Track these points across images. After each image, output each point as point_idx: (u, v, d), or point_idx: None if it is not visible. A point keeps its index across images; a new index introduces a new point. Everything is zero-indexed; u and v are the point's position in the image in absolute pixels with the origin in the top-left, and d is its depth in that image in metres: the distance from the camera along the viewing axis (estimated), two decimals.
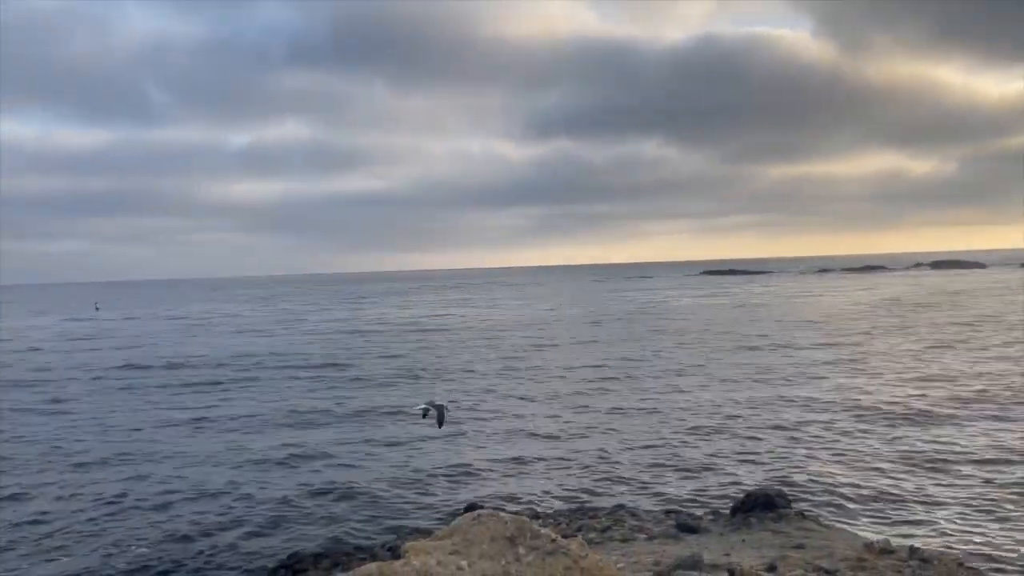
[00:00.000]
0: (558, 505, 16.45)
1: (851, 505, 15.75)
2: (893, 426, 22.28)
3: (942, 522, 14.47)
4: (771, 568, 10.23)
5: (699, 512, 15.36)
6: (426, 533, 12.73)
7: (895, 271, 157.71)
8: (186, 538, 15.35)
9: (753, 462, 19.30)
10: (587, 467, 19.52)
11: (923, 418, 23.09)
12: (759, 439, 21.58)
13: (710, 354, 40.76)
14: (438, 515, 16.07)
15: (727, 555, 11.13)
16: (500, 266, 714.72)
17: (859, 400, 26.23)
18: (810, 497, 16.23)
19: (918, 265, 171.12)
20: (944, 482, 16.86)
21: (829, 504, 15.82)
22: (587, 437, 22.80)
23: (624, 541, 12.90)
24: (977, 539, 13.46)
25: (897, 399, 26.12)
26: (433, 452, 21.42)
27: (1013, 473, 17.25)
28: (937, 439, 20.60)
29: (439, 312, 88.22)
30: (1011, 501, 15.37)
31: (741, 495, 15.22)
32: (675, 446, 21.24)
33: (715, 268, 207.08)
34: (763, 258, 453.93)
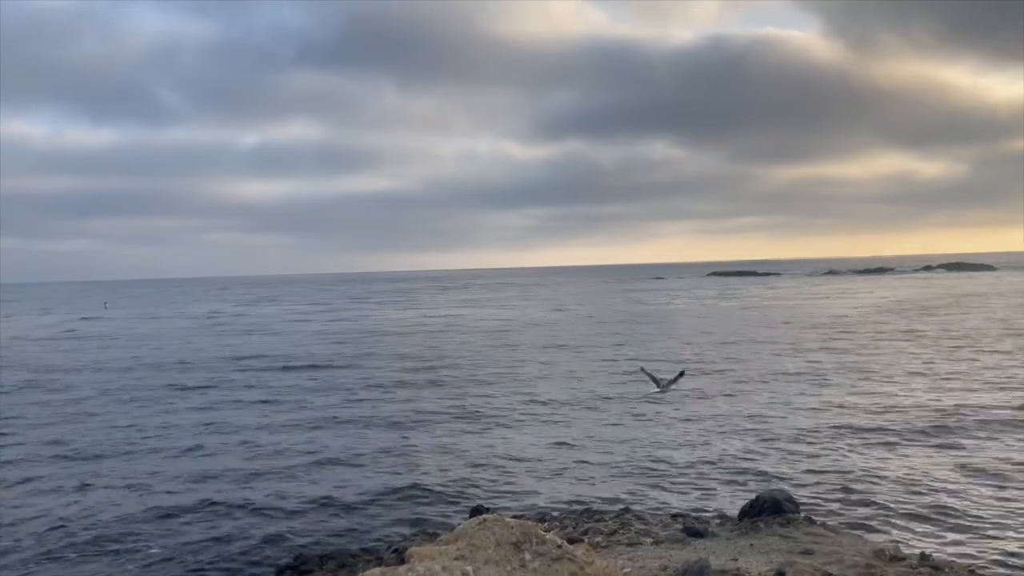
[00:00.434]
0: (564, 508, 16.37)
1: (861, 510, 15.60)
2: (903, 432, 22.09)
3: (953, 529, 14.33)
4: (779, 574, 10.12)
5: (706, 516, 15.25)
6: (431, 537, 12.70)
7: (904, 273, 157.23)
8: (193, 538, 15.33)
9: (761, 466, 19.18)
10: (593, 469, 19.45)
11: (934, 424, 22.89)
12: (767, 442, 21.45)
13: (719, 356, 40.61)
14: (443, 519, 16.02)
15: (735, 560, 11.03)
16: (509, 267, 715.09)
17: (868, 405, 26.04)
18: (819, 502, 16.11)
19: (927, 267, 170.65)
20: (955, 489, 16.69)
21: (838, 510, 15.69)
22: (593, 439, 22.74)
23: (630, 545, 12.80)
24: (989, 547, 13.31)
25: (907, 404, 25.94)
26: (438, 456, 21.37)
27: None
28: (949, 445, 20.43)
29: (446, 312, 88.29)
30: None
31: (749, 499, 15.10)
32: (683, 449, 21.14)
33: (723, 269, 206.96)
34: (772, 259, 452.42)
